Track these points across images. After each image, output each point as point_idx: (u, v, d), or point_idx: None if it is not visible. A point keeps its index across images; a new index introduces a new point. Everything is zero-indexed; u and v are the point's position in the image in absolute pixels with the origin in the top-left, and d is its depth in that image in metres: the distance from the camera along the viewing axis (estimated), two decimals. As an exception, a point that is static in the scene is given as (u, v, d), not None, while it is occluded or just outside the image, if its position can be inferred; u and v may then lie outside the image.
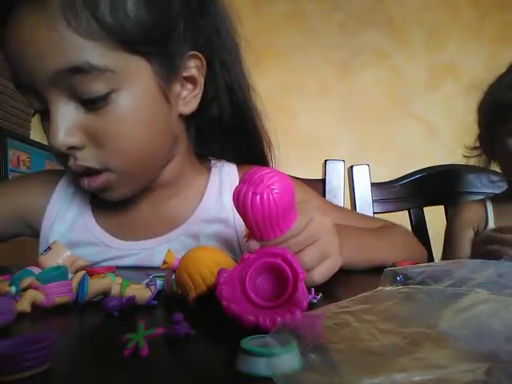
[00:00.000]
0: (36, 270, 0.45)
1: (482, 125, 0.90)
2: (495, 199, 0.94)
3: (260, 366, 0.23)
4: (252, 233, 0.41)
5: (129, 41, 0.49)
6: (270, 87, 2.30)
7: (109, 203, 0.64)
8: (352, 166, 1.06)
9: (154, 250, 0.65)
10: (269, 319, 0.29)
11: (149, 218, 0.68)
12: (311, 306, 0.37)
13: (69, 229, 0.68)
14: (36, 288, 0.37)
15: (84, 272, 0.42)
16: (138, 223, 0.68)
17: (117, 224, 0.68)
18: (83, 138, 0.51)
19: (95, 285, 0.40)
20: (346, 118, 2.50)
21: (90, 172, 0.55)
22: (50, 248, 0.51)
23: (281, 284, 0.32)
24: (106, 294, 0.40)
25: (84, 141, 0.51)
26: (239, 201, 0.39)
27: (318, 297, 0.40)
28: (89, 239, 0.67)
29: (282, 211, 0.39)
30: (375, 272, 0.42)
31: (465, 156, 0.96)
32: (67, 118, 0.49)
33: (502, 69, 0.87)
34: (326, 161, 1.03)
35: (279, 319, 0.29)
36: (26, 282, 0.38)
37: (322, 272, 0.44)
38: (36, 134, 2.72)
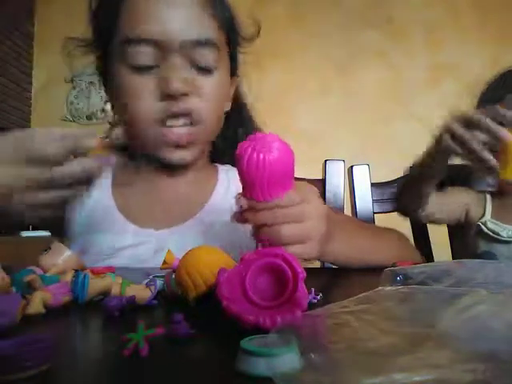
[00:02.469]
0: (36, 270, 0.45)
1: None
2: (496, 194, 0.93)
3: (260, 366, 0.23)
4: (244, 191, 0.42)
5: (227, 33, 0.65)
6: (270, 87, 2.30)
7: (130, 188, 0.68)
8: (352, 166, 1.06)
9: (169, 239, 0.67)
10: (269, 319, 0.29)
11: (168, 205, 0.70)
12: (311, 305, 0.37)
13: (90, 213, 0.69)
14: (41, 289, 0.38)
15: (85, 272, 0.42)
16: (156, 209, 0.70)
17: (136, 209, 0.70)
18: (190, 90, 0.60)
19: (95, 285, 0.40)
20: (345, 117, 2.50)
21: (185, 124, 0.62)
22: (49, 248, 0.51)
23: (281, 284, 0.32)
24: (105, 293, 0.40)
25: (189, 89, 0.60)
26: (239, 155, 0.40)
27: (318, 297, 0.40)
28: (107, 225, 0.68)
29: (275, 176, 0.39)
30: (375, 272, 0.42)
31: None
32: (184, 72, 0.60)
33: (502, 68, 0.87)
34: (325, 161, 1.02)
35: (279, 319, 0.29)
36: (30, 277, 0.38)
37: (296, 250, 0.43)
38: (36, 133, 2.72)
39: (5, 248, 1.87)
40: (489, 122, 0.58)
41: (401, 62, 2.53)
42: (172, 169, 0.69)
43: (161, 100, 0.59)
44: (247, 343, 0.24)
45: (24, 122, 2.70)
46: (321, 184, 1.00)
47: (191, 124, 0.63)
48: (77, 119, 2.76)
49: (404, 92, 2.44)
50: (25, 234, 2.01)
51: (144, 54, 0.58)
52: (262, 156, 0.38)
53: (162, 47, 0.58)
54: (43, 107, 2.77)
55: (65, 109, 2.77)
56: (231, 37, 0.67)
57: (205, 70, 0.61)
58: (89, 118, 2.75)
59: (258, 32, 0.71)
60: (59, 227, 0.70)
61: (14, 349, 0.24)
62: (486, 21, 2.50)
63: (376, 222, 1.03)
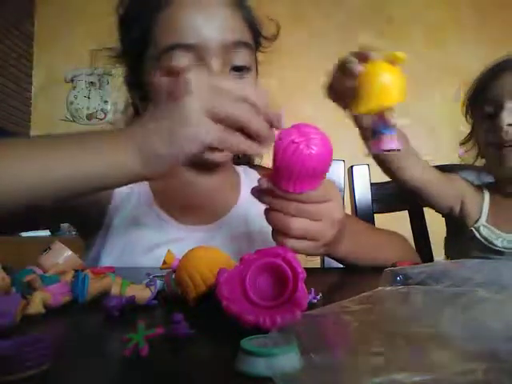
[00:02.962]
0: (36, 270, 0.45)
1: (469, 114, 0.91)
2: (494, 190, 0.90)
3: (260, 366, 0.23)
4: (272, 174, 0.42)
5: (253, 33, 0.66)
6: (271, 87, 2.30)
7: (169, 188, 0.69)
8: (352, 166, 1.06)
9: (208, 236, 0.69)
10: (269, 319, 0.29)
11: (204, 201, 0.72)
12: (311, 305, 0.37)
13: (134, 208, 0.70)
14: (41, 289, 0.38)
15: (85, 272, 0.42)
16: (194, 206, 0.71)
17: (175, 205, 0.71)
18: None
19: (95, 285, 0.40)
20: (345, 117, 2.50)
21: None
22: (49, 248, 0.51)
23: (281, 284, 0.32)
24: (106, 294, 0.40)
25: None
26: (278, 139, 0.39)
27: (318, 297, 0.40)
28: (151, 221, 0.69)
29: (305, 172, 0.39)
30: (375, 272, 0.42)
31: (460, 157, 0.96)
32: (223, 75, 0.59)
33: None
34: (326, 161, 1.02)
35: (279, 319, 0.29)
36: (30, 277, 0.38)
37: (296, 245, 0.43)
38: (36, 134, 2.72)
39: (5, 248, 1.87)
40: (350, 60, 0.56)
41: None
42: (206, 167, 0.69)
43: None
44: (247, 343, 0.24)
45: (24, 122, 2.71)
46: (321, 184, 1.00)
47: None
48: (77, 119, 2.76)
49: (404, 92, 2.44)
50: (25, 234, 2.01)
51: (183, 60, 0.58)
52: (299, 149, 0.38)
53: (201, 52, 0.58)
54: (43, 107, 2.76)
55: (65, 109, 2.77)
56: (256, 38, 0.68)
57: (241, 72, 0.62)
58: (89, 117, 2.75)
59: (278, 32, 0.71)
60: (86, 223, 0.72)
61: (14, 349, 0.24)
62: (485, 21, 2.50)
63: (376, 222, 1.03)
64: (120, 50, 0.67)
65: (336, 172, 1.01)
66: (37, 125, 2.75)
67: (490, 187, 0.88)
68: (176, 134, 0.40)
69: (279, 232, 0.44)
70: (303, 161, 0.38)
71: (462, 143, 0.93)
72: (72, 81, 2.77)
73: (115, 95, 2.71)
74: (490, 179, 0.90)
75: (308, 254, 0.47)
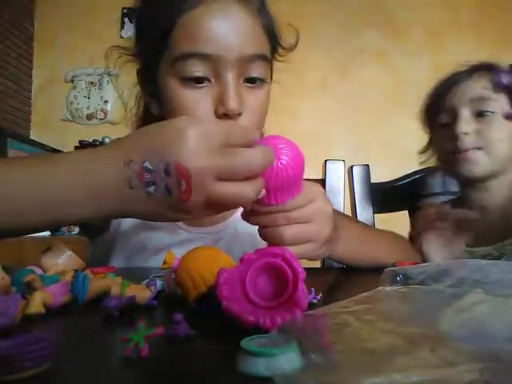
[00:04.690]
0: (36, 270, 0.45)
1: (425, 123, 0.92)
2: (456, 202, 0.92)
3: (260, 366, 0.23)
4: None
5: (271, 42, 0.65)
6: (271, 87, 2.30)
7: None
8: (352, 166, 1.06)
9: (216, 237, 0.70)
10: (269, 319, 0.29)
11: None
12: (311, 305, 0.37)
13: None
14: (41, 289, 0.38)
15: (85, 272, 0.42)
16: None
17: None
18: (243, 108, 0.60)
19: (95, 285, 0.40)
20: (346, 117, 2.50)
21: None
22: (49, 248, 0.51)
23: (281, 284, 0.32)
24: (106, 294, 0.40)
25: (242, 108, 0.59)
26: None
27: (318, 297, 0.40)
28: (160, 223, 0.68)
29: (282, 183, 0.39)
30: (375, 272, 0.42)
31: (421, 163, 0.96)
32: (237, 89, 0.58)
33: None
34: (326, 161, 1.02)
35: (279, 319, 0.29)
36: (29, 277, 0.38)
37: (297, 250, 0.43)
38: (36, 133, 2.72)
39: (5, 248, 1.87)
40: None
41: (401, 62, 2.53)
42: None
43: (216, 117, 0.58)
44: (247, 343, 0.24)
45: (24, 122, 2.71)
46: (321, 184, 1.00)
47: None
48: (77, 119, 2.76)
49: (404, 92, 2.44)
50: (25, 234, 2.00)
51: (199, 69, 0.57)
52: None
53: (217, 63, 0.57)
54: (43, 107, 2.77)
55: (65, 109, 2.77)
56: (273, 46, 0.66)
57: (254, 84, 0.61)
58: (89, 117, 2.75)
59: (297, 42, 0.70)
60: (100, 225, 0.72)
61: (14, 349, 0.24)
62: (484, 22, 2.50)
63: (376, 222, 1.03)
64: (136, 46, 0.65)
65: (336, 172, 1.01)
66: (37, 125, 2.75)
67: (454, 201, 0.90)
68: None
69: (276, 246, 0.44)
70: (277, 174, 0.38)
71: (421, 152, 0.94)
72: (72, 81, 2.77)
73: (115, 95, 2.71)
74: (455, 185, 0.91)
75: (311, 258, 0.47)
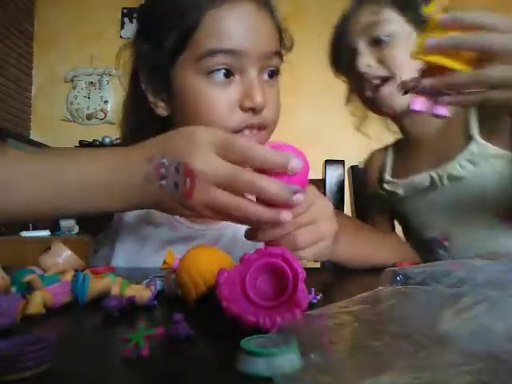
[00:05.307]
0: (36, 270, 0.45)
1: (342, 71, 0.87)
2: (398, 145, 0.89)
3: (260, 366, 0.23)
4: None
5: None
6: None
7: None
8: (352, 166, 1.06)
9: (221, 232, 0.70)
10: (269, 319, 0.29)
11: None
12: (311, 305, 0.37)
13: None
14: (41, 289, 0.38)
15: (85, 272, 0.42)
16: None
17: None
18: (265, 100, 0.62)
19: (95, 285, 0.40)
20: (345, 117, 2.50)
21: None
22: (49, 248, 0.51)
23: (281, 284, 0.32)
24: (106, 294, 0.40)
25: (265, 102, 0.62)
26: None
27: (318, 297, 0.40)
28: (162, 219, 0.70)
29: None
30: (375, 272, 0.42)
31: (351, 114, 0.91)
32: (261, 84, 0.62)
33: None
34: (326, 161, 1.03)
35: (279, 319, 0.29)
36: (29, 277, 0.38)
37: (311, 252, 0.45)
38: (36, 134, 2.72)
39: (5, 248, 1.87)
40: None
41: (401, 61, 2.52)
42: None
43: (242, 111, 0.61)
44: (247, 343, 0.24)
45: (24, 122, 2.71)
46: (321, 184, 1.00)
47: (258, 129, 0.65)
48: (77, 119, 2.76)
49: (404, 92, 2.44)
50: (25, 234, 2.01)
51: (224, 65, 0.60)
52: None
53: (241, 58, 0.60)
54: (43, 107, 2.77)
55: (65, 109, 2.77)
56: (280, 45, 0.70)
57: (273, 79, 0.65)
58: (89, 117, 2.75)
59: (292, 46, 0.73)
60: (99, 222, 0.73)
61: (14, 349, 0.24)
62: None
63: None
64: (143, 47, 0.65)
65: (336, 172, 1.01)
66: (37, 125, 2.75)
67: (396, 143, 0.89)
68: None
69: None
70: (288, 179, 0.39)
71: (346, 103, 0.91)
72: (72, 81, 2.77)
73: (115, 95, 2.71)
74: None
75: (321, 259, 0.47)
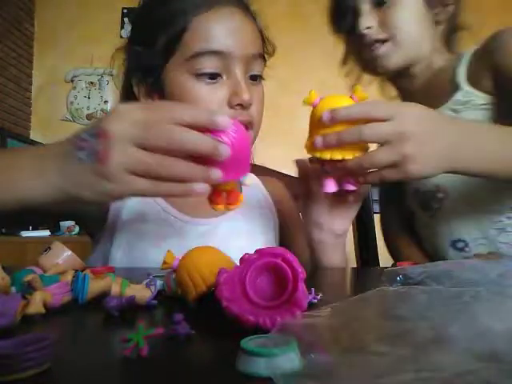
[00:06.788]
0: (36, 270, 0.45)
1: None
2: None
3: (260, 366, 0.23)
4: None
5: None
6: (271, 87, 2.30)
7: None
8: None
9: (217, 227, 0.72)
10: (269, 319, 0.29)
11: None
12: (311, 305, 0.37)
13: (139, 202, 0.72)
14: (41, 289, 0.38)
15: (85, 272, 0.42)
16: (198, 201, 0.72)
17: (180, 201, 0.73)
18: (251, 98, 0.65)
19: (95, 285, 0.40)
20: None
21: None
22: (49, 248, 0.51)
23: (281, 284, 0.32)
24: (106, 293, 0.40)
25: (251, 99, 0.65)
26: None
27: (318, 297, 0.40)
28: (156, 214, 0.71)
29: (228, 160, 0.41)
30: (375, 272, 0.42)
31: (345, 75, 0.90)
32: (247, 83, 0.65)
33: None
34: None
35: (279, 319, 0.29)
36: (29, 277, 0.38)
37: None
38: (36, 134, 2.72)
39: (5, 248, 1.87)
40: None
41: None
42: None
43: (230, 108, 0.64)
44: (247, 343, 0.24)
45: (24, 122, 2.71)
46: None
47: (246, 127, 0.67)
48: (77, 119, 2.76)
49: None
50: (25, 234, 2.01)
51: (212, 65, 0.63)
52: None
53: (228, 60, 0.63)
54: (43, 107, 2.76)
55: (65, 109, 2.77)
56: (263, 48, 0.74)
57: (256, 81, 0.69)
58: (89, 117, 2.75)
59: (273, 51, 0.77)
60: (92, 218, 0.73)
61: (14, 349, 0.24)
62: (484, 22, 2.50)
63: (376, 222, 1.03)
64: (136, 48, 0.68)
65: (336, 172, 1.01)
66: (37, 125, 2.75)
67: None
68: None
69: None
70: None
71: (342, 63, 0.90)
72: (72, 81, 2.77)
73: (115, 95, 2.71)
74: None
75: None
